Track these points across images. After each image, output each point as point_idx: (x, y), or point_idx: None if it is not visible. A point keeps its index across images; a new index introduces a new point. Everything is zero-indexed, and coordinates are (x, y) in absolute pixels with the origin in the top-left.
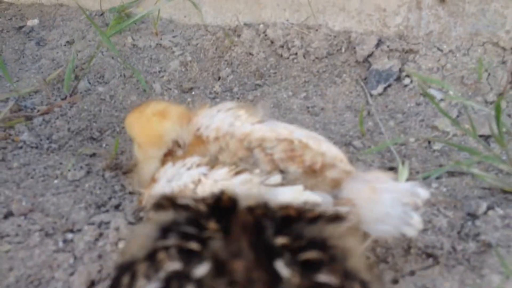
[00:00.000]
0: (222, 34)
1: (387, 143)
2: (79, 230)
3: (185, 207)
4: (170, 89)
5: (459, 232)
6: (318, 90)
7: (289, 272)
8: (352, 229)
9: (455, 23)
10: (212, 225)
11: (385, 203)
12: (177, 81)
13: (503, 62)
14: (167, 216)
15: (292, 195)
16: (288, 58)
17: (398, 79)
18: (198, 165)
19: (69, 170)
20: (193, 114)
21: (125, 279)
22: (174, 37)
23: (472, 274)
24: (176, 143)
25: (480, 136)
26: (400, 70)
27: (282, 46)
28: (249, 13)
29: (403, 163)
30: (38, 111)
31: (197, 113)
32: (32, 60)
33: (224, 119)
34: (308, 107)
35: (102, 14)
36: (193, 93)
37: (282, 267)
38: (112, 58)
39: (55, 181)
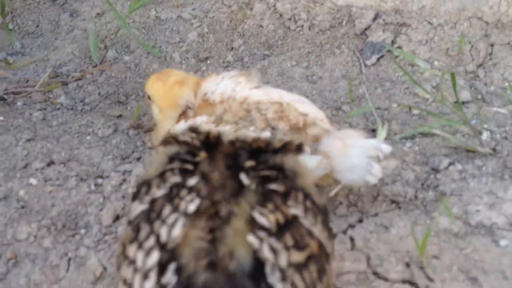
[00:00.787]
0: (236, 7)
1: (369, 108)
2: (107, 176)
3: (185, 142)
4: (188, 58)
5: (422, 184)
6: (318, 60)
7: (249, 181)
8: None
9: None
10: (202, 154)
11: (353, 155)
12: (194, 51)
13: (486, 35)
14: (172, 149)
15: None
16: (295, 30)
17: (390, 50)
18: (206, 123)
19: (99, 128)
20: (202, 81)
21: (143, 189)
22: (193, 9)
23: (425, 217)
24: (188, 106)
25: (456, 102)
26: (393, 42)
27: (290, 19)
28: None
29: (383, 125)
30: (73, 77)
31: (205, 80)
32: (66, 30)
33: (227, 85)
34: (307, 76)
35: None
36: (208, 62)
37: (244, 178)
38: (137, 29)
39: (88, 137)
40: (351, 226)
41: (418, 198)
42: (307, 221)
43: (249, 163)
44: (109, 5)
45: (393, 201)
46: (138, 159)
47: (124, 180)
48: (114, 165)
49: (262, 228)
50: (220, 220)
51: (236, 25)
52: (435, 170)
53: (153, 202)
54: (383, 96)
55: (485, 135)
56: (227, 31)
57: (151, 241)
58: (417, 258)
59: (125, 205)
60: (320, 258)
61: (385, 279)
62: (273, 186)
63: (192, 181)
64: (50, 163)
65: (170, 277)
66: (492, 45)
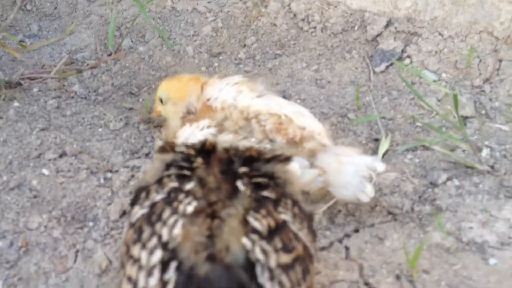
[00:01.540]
0: (251, 4)
1: (374, 116)
2: (116, 171)
3: (180, 151)
4: (201, 52)
5: (419, 197)
6: (328, 64)
7: (244, 188)
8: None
9: (457, 11)
10: (199, 160)
11: (347, 173)
12: (207, 45)
13: (495, 51)
14: (168, 156)
15: None
16: (307, 31)
17: (400, 59)
18: (209, 126)
19: (110, 121)
20: (205, 84)
21: (143, 194)
22: (209, 2)
23: (419, 230)
24: (190, 110)
25: (462, 116)
26: (402, 51)
27: (303, 20)
28: None
29: (386, 135)
30: (87, 65)
31: (209, 83)
32: (83, 15)
33: (229, 93)
34: (316, 80)
35: None
36: (220, 58)
37: (240, 184)
38: (153, 19)
39: (100, 129)
40: (347, 236)
41: (414, 211)
42: (294, 226)
43: (243, 169)
44: None
45: (389, 213)
46: (147, 154)
47: (133, 176)
48: (123, 160)
49: (255, 231)
50: (216, 219)
51: (250, 22)
52: (433, 184)
53: (153, 206)
54: (389, 106)
55: (484, 152)
56: (241, 27)
57: (154, 241)
58: (408, 271)
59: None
60: (304, 260)
61: None
62: (266, 193)
63: (189, 185)
64: (63, 154)
65: (171, 274)
66: (500, 61)
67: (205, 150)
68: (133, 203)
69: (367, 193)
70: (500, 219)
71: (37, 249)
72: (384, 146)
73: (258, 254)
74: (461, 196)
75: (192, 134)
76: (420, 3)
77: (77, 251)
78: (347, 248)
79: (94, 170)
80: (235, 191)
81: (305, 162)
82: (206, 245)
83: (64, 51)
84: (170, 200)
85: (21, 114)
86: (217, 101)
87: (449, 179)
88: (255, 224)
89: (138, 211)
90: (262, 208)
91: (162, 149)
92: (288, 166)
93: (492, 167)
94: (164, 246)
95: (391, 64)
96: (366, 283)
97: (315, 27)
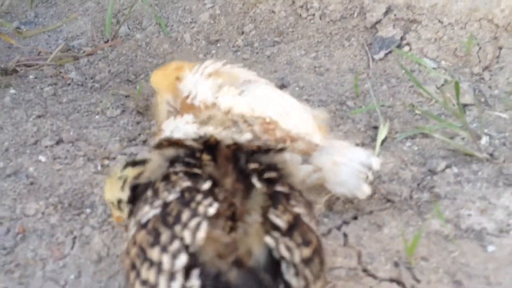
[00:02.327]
0: None
1: (373, 106)
2: (113, 158)
3: (182, 145)
4: (199, 40)
5: (418, 184)
6: (327, 51)
7: (260, 184)
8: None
9: None
10: (205, 156)
11: (342, 174)
12: (205, 32)
13: (495, 38)
14: (170, 152)
15: None
16: (306, 18)
17: (399, 46)
18: (194, 122)
19: (107, 108)
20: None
21: (149, 193)
22: None
23: (417, 218)
24: (169, 111)
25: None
26: (402, 38)
27: (301, 7)
28: None
29: (385, 123)
30: (84, 52)
31: (181, 77)
32: (80, 2)
33: (206, 90)
34: (315, 67)
35: None
36: (218, 45)
37: (256, 181)
38: (151, 6)
39: (96, 116)
40: (346, 223)
41: (413, 198)
42: (306, 218)
43: (253, 166)
44: None
45: (388, 200)
46: (144, 142)
47: None
48: (121, 147)
49: (275, 228)
50: (237, 221)
51: (248, 9)
52: (432, 172)
53: (165, 206)
54: (388, 93)
55: (484, 140)
56: (239, 14)
57: (176, 244)
58: (406, 258)
59: None
60: (320, 250)
61: (374, 277)
62: (278, 187)
63: (206, 185)
64: (59, 141)
65: (194, 281)
66: (500, 48)
67: (209, 145)
68: (134, 199)
69: (363, 192)
70: (499, 206)
71: (34, 236)
72: (382, 133)
73: (283, 251)
74: (460, 184)
75: (176, 128)
76: None
77: (75, 237)
78: (345, 235)
79: (91, 157)
80: (248, 189)
81: (298, 158)
82: (231, 249)
83: (61, 38)
84: (185, 200)
85: (17, 101)
86: (197, 100)
87: (448, 166)
88: (277, 221)
89: (150, 211)
90: (279, 204)
91: (159, 145)
92: (287, 157)
93: (491, 155)
94: (187, 249)
95: (390, 52)
96: (365, 270)
97: (313, 14)
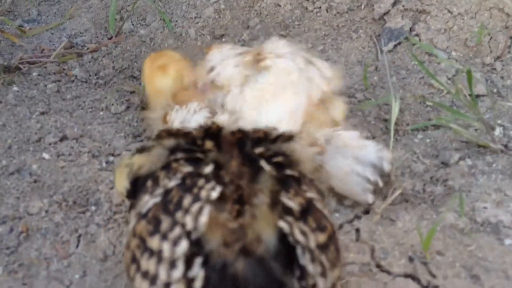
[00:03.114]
0: None
1: (383, 100)
2: (118, 154)
3: (183, 135)
4: (203, 35)
5: (431, 177)
6: (334, 44)
7: (269, 167)
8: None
9: None
10: (208, 143)
11: (350, 183)
12: (210, 27)
13: (506, 27)
14: (169, 141)
15: None
16: (312, 11)
17: (407, 38)
18: (201, 109)
19: (112, 104)
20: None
21: (149, 183)
22: None
23: (431, 212)
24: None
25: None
26: (411, 29)
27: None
28: None
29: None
30: (88, 48)
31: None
32: None
33: (233, 69)
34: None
35: None
36: (223, 40)
37: (265, 164)
38: (154, 1)
39: (101, 113)
40: (357, 217)
41: (426, 191)
42: (320, 204)
43: (259, 150)
44: None
45: (401, 193)
46: (149, 138)
47: None
48: (125, 143)
49: (288, 212)
50: (245, 206)
51: (253, 3)
52: (445, 164)
53: (166, 193)
54: (397, 85)
55: (497, 131)
56: (244, 8)
57: (177, 231)
58: (421, 253)
59: None
60: (335, 239)
61: (388, 272)
62: (288, 171)
63: (208, 169)
64: (63, 138)
65: (197, 270)
66: (511, 38)
67: (211, 133)
68: (134, 193)
69: (367, 201)
70: None
71: (38, 235)
72: (393, 127)
73: (297, 236)
74: (474, 176)
75: (185, 119)
76: None
77: (79, 236)
78: (357, 230)
79: (96, 153)
80: (256, 173)
81: (309, 149)
82: (238, 235)
83: (64, 35)
84: (186, 186)
85: (20, 98)
86: (221, 76)
87: (461, 158)
88: (290, 203)
89: (149, 200)
90: (290, 187)
91: (159, 136)
92: (296, 145)
93: (505, 146)
94: (188, 236)
95: (399, 43)
96: (378, 265)
97: (320, 7)
